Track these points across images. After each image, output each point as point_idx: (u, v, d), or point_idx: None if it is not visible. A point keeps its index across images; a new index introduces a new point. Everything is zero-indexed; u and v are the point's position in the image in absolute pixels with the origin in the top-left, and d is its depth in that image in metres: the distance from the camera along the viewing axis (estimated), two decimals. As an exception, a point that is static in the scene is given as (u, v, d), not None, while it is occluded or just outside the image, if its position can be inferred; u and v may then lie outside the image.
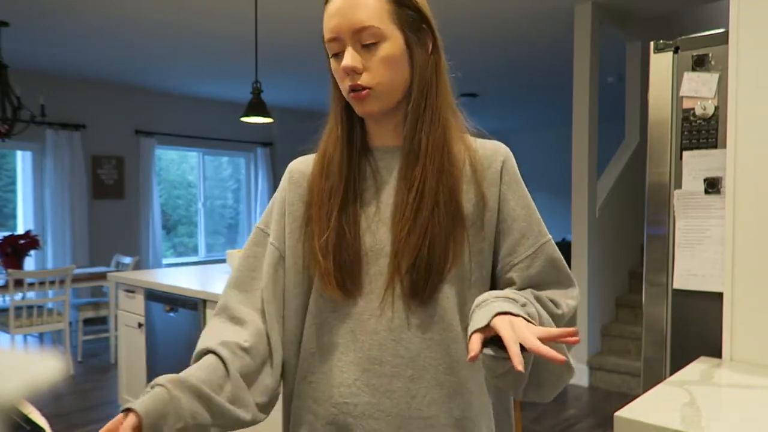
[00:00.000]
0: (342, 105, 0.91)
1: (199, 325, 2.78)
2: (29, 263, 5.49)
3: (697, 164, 1.53)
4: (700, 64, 1.52)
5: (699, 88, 1.52)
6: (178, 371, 0.80)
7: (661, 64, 1.60)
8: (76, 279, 4.65)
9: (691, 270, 1.54)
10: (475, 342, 0.72)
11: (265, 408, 0.87)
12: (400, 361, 0.85)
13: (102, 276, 4.86)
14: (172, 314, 2.94)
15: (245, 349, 0.85)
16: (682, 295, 1.56)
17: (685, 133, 1.55)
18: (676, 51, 1.57)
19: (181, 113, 6.93)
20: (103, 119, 6.23)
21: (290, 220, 0.93)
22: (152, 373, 3.10)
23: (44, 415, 0.65)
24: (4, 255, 4.48)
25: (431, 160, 0.86)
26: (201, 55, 5.09)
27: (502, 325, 0.72)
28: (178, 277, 3.21)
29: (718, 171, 1.49)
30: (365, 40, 0.84)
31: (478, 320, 0.76)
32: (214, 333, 0.88)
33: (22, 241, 4.54)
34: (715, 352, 1.39)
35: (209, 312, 2.74)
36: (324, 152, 0.93)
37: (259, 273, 0.93)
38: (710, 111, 1.51)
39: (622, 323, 4.44)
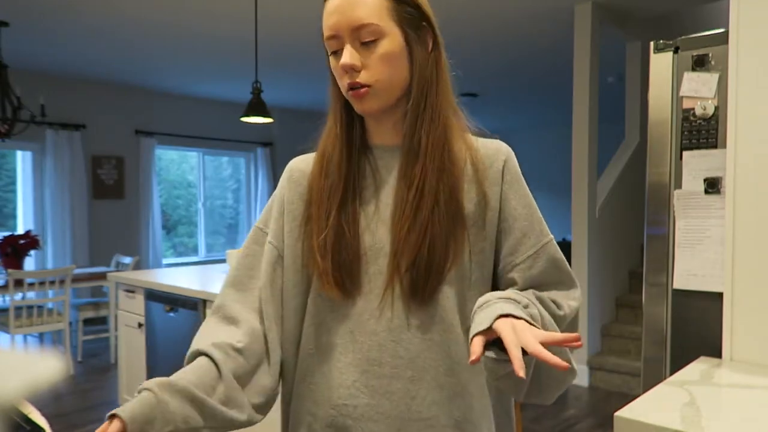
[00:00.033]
0: (341, 103, 0.91)
1: (199, 325, 2.77)
2: (29, 263, 5.49)
3: (697, 164, 1.53)
4: (700, 64, 1.52)
5: (699, 88, 1.52)
6: (178, 371, 0.80)
7: (661, 64, 1.59)
8: (76, 279, 4.65)
9: (691, 270, 1.54)
10: (477, 345, 0.71)
11: (262, 409, 0.86)
12: (400, 362, 0.85)
13: (102, 276, 4.86)
14: (172, 314, 2.94)
15: (238, 350, 0.84)
16: (682, 295, 1.56)
17: (685, 133, 1.55)
18: (676, 51, 1.57)
19: (181, 113, 6.93)
20: (103, 119, 6.23)
21: (289, 219, 0.92)
22: (152, 373, 3.10)
23: (44, 415, 0.65)
24: (4, 255, 4.48)
25: (431, 159, 0.85)
26: (201, 55, 5.09)
27: (504, 328, 0.71)
28: (178, 277, 3.21)
29: (718, 171, 1.49)
30: (364, 38, 0.83)
31: (480, 322, 0.75)
32: (207, 334, 0.87)
33: (22, 241, 4.54)
34: (715, 352, 1.39)
35: (209, 312, 2.73)
36: (323, 151, 0.92)
37: (257, 272, 0.92)
38: (710, 111, 1.51)
39: (622, 323, 4.44)
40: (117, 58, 5.16)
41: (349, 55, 0.83)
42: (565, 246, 4.67)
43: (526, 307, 0.79)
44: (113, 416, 0.71)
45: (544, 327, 0.80)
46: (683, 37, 1.56)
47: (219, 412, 0.79)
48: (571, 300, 0.89)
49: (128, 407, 0.72)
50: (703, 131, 1.52)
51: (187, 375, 0.79)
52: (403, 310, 0.85)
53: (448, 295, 0.86)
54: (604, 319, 4.41)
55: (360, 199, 0.89)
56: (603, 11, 4.08)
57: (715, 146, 1.50)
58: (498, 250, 0.90)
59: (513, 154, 0.92)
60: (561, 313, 0.86)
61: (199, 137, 7.07)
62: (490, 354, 0.76)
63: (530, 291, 0.87)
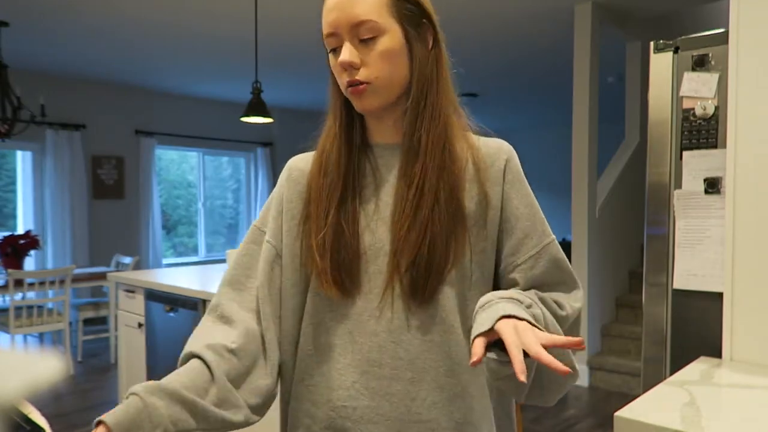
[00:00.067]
0: (341, 101, 0.90)
1: (199, 325, 2.78)
2: (29, 263, 5.49)
3: (697, 164, 1.53)
4: (700, 64, 1.52)
5: (699, 88, 1.52)
6: (169, 374, 0.79)
7: (661, 64, 1.59)
8: (76, 279, 4.65)
9: (691, 270, 1.54)
10: (478, 346, 0.70)
11: (260, 409, 0.85)
12: (400, 364, 0.84)
13: (102, 276, 4.86)
14: (172, 314, 2.94)
15: (232, 351, 0.83)
16: (682, 295, 1.56)
17: (685, 133, 1.55)
18: (676, 51, 1.57)
19: (181, 113, 6.93)
20: (103, 119, 6.23)
21: (288, 218, 0.91)
22: (152, 373, 3.10)
23: (44, 415, 0.65)
24: (4, 255, 4.48)
25: (431, 158, 0.84)
26: (201, 55, 5.09)
27: (506, 330, 0.70)
28: (178, 277, 3.21)
29: (718, 171, 1.49)
30: (363, 35, 0.82)
31: (481, 323, 0.74)
32: (202, 335, 0.86)
33: (22, 241, 4.54)
34: (715, 352, 1.39)
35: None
36: (323, 149, 0.91)
37: (254, 271, 0.91)
38: (710, 111, 1.50)
39: (622, 323, 4.44)
40: (117, 58, 5.16)
41: (348, 53, 0.83)
42: (565, 246, 4.68)
43: (528, 307, 0.78)
44: (99, 423, 0.70)
45: (547, 328, 0.79)
46: (683, 37, 1.56)
47: (212, 413, 0.77)
48: (574, 300, 0.88)
49: (113, 412, 0.71)
50: (703, 131, 1.52)
51: (179, 377, 0.78)
52: (403, 310, 0.84)
53: (448, 296, 0.85)
54: (604, 319, 4.41)
55: (360, 197, 0.88)
56: (603, 11, 4.08)
57: (715, 146, 1.50)
58: (499, 250, 0.89)
59: (515, 153, 0.91)
60: (563, 313, 0.85)
61: (199, 137, 7.07)
62: (492, 355, 0.75)
63: (532, 291, 0.86)
